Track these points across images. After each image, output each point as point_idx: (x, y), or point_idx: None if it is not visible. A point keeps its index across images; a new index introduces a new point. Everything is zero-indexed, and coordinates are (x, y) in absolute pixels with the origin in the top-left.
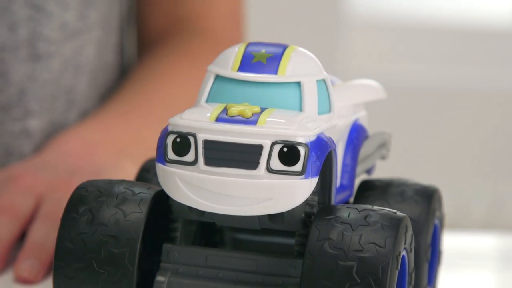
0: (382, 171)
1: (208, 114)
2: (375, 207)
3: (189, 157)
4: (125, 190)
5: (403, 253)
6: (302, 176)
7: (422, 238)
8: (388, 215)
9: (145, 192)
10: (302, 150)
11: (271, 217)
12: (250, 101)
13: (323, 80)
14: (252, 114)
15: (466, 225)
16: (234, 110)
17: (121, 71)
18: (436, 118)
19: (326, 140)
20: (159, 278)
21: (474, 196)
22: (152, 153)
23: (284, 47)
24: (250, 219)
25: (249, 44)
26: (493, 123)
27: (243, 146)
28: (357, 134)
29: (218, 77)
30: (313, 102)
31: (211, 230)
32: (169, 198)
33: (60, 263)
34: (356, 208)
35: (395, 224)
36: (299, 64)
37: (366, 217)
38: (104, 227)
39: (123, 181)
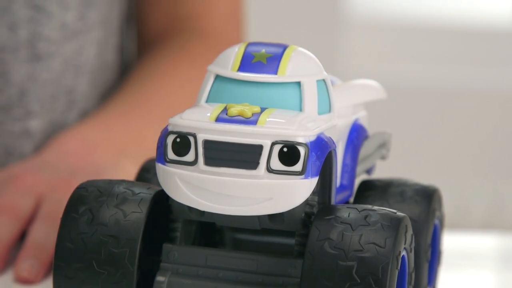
0: (382, 171)
1: (208, 114)
2: (375, 207)
3: (189, 157)
4: (125, 190)
5: (403, 253)
6: (302, 176)
7: (422, 238)
8: (388, 215)
9: (145, 192)
10: (302, 150)
11: (271, 217)
12: (250, 101)
13: (323, 80)
14: (252, 114)
15: (466, 225)
16: (234, 110)
17: (121, 71)
18: (436, 118)
19: (326, 140)
20: (159, 278)
21: (474, 196)
22: (152, 153)
23: (284, 47)
24: (250, 219)
25: (249, 44)
26: (493, 123)
27: (243, 146)
28: (357, 134)
29: (218, 77)
30: (313, 102)
31: (211, 230)
32: (169, 198)
33: (60, 263)
34: (356, 208)
35: (395, 224)
36: (299, 64)
37: (366, 217)
38: (104, 227)
39: (123, 181)
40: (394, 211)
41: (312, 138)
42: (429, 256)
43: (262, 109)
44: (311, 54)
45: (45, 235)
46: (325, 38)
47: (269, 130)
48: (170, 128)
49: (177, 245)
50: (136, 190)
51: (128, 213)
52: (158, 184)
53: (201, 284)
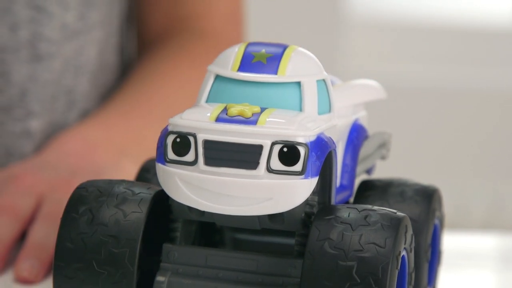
0: (382, 171)
1: (208, 114)
2: (375, 207)
3: (189, 157)
4: (125, 190)
5: (403, 253)
6: (302, 176)
7: (422, 238)
8: (388, 215)
9: (145, 192)
10: (302, 150)
11: (271, 217)
12: (250, 101)
13: (323, 80)
14: (252, 114)
15: (466, 225)
16: (234, 110)
17: (121, 71)
18: (436, 118)
19: (326, 140)
20: (159, 278)
21: (474, 196)
22: (152, 153)
23: (284, 47)
24: (250, 219)
25: (249, 44)
26: (493, 123)
27: (243, 146)
28: (357, 134)
29: (218, 77)
30: (313, 102)
31: (211, 230)
32: (169, 198)
33: (60, 263)
34: (356, 208)
35: (395, 224)
36: (299, 64)
37: (366, 217)
38: (104, 227)
39: (123, 181)
40: (394, 211)
41: (312, 138)
42: (429, 256)
43: (262, 109)
44: (311, 54)
45: (45, 235)
46: (325, 38)
47: (269, 130)
48: (170, 128)
49: (177, 245)
50: (136, 190)
51: (128, 213)
52: (158, 184)
53: (201, 284)
